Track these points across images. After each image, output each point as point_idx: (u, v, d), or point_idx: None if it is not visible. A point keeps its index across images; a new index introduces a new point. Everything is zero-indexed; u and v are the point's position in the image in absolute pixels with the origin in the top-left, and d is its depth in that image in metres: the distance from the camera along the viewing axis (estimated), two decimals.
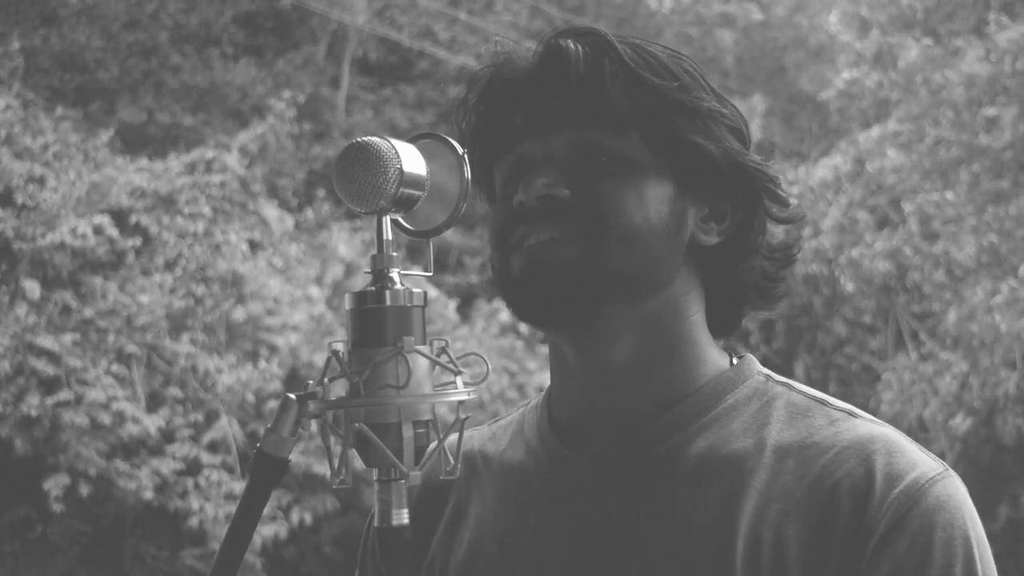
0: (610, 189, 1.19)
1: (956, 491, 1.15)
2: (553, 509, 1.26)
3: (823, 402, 1.24)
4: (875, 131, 14.42)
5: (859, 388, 15.51)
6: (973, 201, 12.83)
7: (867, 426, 1.19)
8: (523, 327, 14.37)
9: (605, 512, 1.23)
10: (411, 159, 1.12)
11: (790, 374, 15.05)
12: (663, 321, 1.23)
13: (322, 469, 11.22)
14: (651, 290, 1.21)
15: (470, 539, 1.31)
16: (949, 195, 13.10)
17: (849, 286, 15.42)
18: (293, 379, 12.21)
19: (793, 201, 1.29)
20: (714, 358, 1.27)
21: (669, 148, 1.20)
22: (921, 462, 1.16)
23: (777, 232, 1.30)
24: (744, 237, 1.25)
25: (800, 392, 1.25)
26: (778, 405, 1.23)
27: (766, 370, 1.29)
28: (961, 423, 12.37)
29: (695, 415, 1.23)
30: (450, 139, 1.19)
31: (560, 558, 1.24)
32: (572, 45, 1.20)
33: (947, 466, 1.17)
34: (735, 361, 1.28)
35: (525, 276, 1.20)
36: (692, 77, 1.22)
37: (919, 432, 13.04)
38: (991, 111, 12.60)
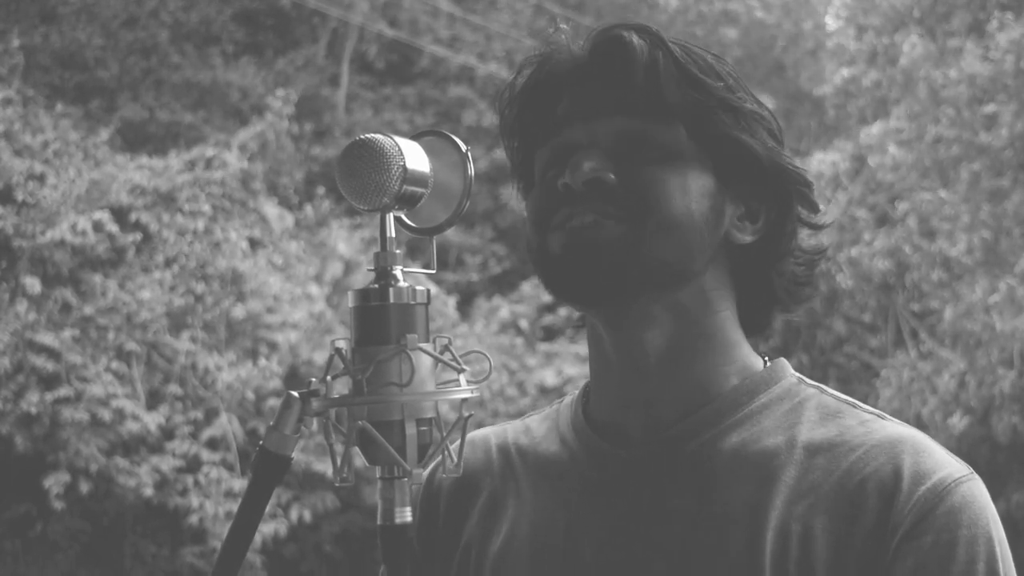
0: (655, 176, 1.21)
1: (981, 493, 1.18)
2: (588, 501, 1.28)
3: (853, 405, 1.27)
4: (876, 128, 14.43)
5: (858, 387, 15.50)
6: (971, 199, 12.84)
7: (896, 427, 1.23)
8: (523, 324, 14.37)
9: (639, 505, 1.25)
10: (414, 156, 1.12)
11: None
12: (694, 312, 1.25)
13: (322, 467, 11.23)
14: (683, 279, 1.23)
15: (507, 530, 1.32)
16: (943, 193, 13.12)
17: (848, 284, 15.43)
18: (293, 377, 12.21)
19: (823, 208, 1.32)
20: (746, 356, 1.30)
21: (714, 143, 1.23)
22: (947, 463, 1.19)
23: (805, 236, 1.33)
24: (777, 239, 1.28)
25: (831, 395, 1.29)
26: (809, 406, 1.27)
27: (798, 374, 1.33)
28: (958, 422, 12.38)
29: (729, 412, 1.25)
30: (453, 136, 1.19)
31: (594, 549, 1.25)
32: (631, 37, 1.23)
33: (972, 469, 1.20)
34: (768, 363, 1.32)
35: (566, 255, 1.21)
36: (735, 80, 1.27)
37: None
38: (990, 108, 12.60)
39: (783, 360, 1.33)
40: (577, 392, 1.38)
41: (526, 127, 1.30)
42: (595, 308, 1.25)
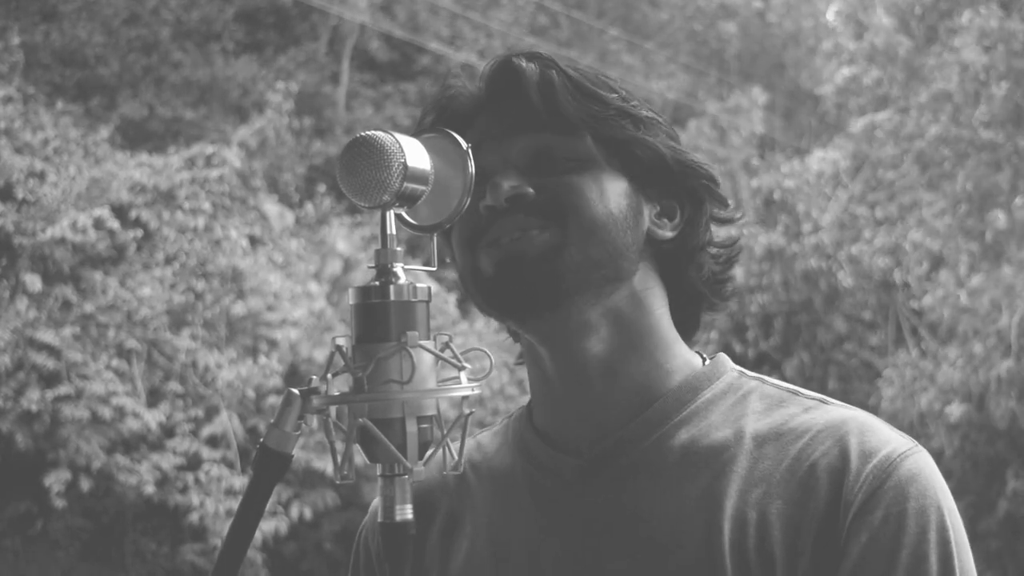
0: (571, 184, 1.25)
1: (926, 464, 1.20)
2: (545, 511, 1.30)
3: (795, 392, 1.30)
4: (865, 119, 14.48)
5: (858, 384, 15.51)
6: (966, 193, 12.88)
7: (839, 410, 1.26)
8: None
9: (595, 509, 1.26)
10: (415, 153, 1.11)
11: (787, 370, 15.06)
12: (628, 314, 1.28)
13: (322, 464, 11.24)
14: (615, 280, 1.26)
15: (467, 548, 1.34)
16: (928, 196, 13.19)
17: (848, 282, 15.45)
18: (293, 374, 12.22)
19: (731, 203, 1.37)
20: (684, 354, 1.33)
21: (620, 147, 1.28)
22: (892, 439, 1.21)
23: (720, 232, 1.37)
24: (693, 234, 1.33)
25: (773, 385, 1.32)
26: (753, 398, 1.30)
27: (739, 367, 1.35)
28: (955, 410, 12.41)
29: (674, 410, 1.28)
30: (454, 134, 1.19)
31: (555, 557, 1.27)
32: (522, 61, 1.28)
33: (916, 442, 1.23)
34: (707, 360, 1.35)
35: (499, 271, 1.25)
36: (627, 92, 1.32)
37: (919, 428, 13.05)
38: (987, 107, 12.63)
39: (723, 355, 1.35)
40: (524, 406, 1.40)
41: None
42: (533, 321, 1.27)
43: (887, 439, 1.21)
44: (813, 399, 1.28)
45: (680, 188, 1.31)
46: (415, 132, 1.29)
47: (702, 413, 1.28)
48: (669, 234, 1.30)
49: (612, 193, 1.26)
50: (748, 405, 1.28)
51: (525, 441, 1.35)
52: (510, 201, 1.23)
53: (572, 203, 1.24)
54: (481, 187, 1.24)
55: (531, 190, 1.24)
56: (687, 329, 1.35)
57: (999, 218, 12.12)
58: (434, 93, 1.35)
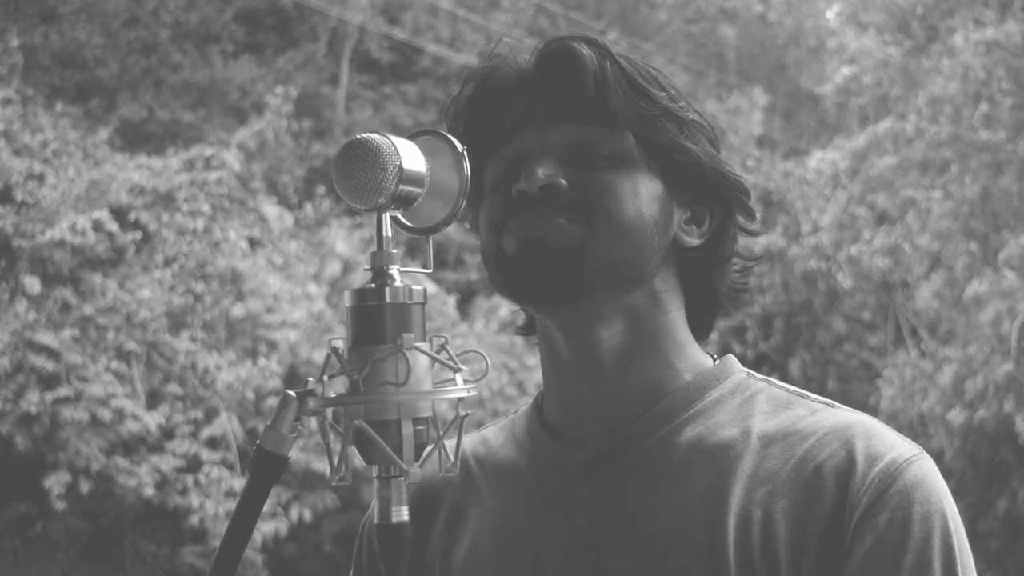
0: (606, 181, 1.26)
1: (931, 470, 1.22)
2: (550, 505, 1.30)
3: (802, 395, 1.32)
4: (867, 133, 14.49)
5: (858, 385, 15.51)
6: (958, 195, 12.89)
7: (845, 414, 1.27)
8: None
9: (601, 504, 1.27)
10: (411, 156, 1.11)
11: (787, 371, 15.06)
12: (645, 312, 1.29)
13: (321, 466, 11.23)
14: (637, 281, 1.27)
15: (470, 540, 1.34)
16: (936, 194, 13.18)
17: (848, 283, 15.46)
18: (292, 376, 12.22)
19: (758, 216, 1.38)
20: (696, 355, 1.34)
21: (661, 149, 1.28)
22: (898, 444, 1.23)
23: (741, 244, 1.39)
24: (720, 244, 1.34)
25: (780, 387, 1.34)
26: (760, 399, 1.31)
27: (746, 368, 1.37)
28: (958, 415, 12.41)
29: (681, 408, 1.29)
30: (450, 136, 1.19)
31: (560, 552, 1.27)
32: (580, 47, 1.27)
33: (921, 448, 1.25)
34: (717, 360, 1.36)
35: (521, 254, 1.25)
36: (676, 91, 1.32)
37: (919, 428, 13.06)
38: (985, 107, 12.63)
39: (731, 356, 1.37)
40: (531, 401, 1.41)
41: (473, 138, 1.31)
42: (550, 309, 1.28)
43: (893, 444, 1.22)
44: (820, 402, 1.29)
45: (712, 197, 1.32)
46: (445, 109, 1.33)
47: (709, 412, 1.29)
48: (696, 242, 1.31)
49: (645, 195, 1.26)
50: (755, 405, 1.29)
51: (532, 435, 1.35)
52: (543, 190, 1.24)
53: (603, 203, 1.24)
54: (517, 169, 1.26)
55: (564, 182, 1.24)
56: (701, 333, 1.37)
57: (1009, 245, 12.11)
58: (479, 63, 1.34)
